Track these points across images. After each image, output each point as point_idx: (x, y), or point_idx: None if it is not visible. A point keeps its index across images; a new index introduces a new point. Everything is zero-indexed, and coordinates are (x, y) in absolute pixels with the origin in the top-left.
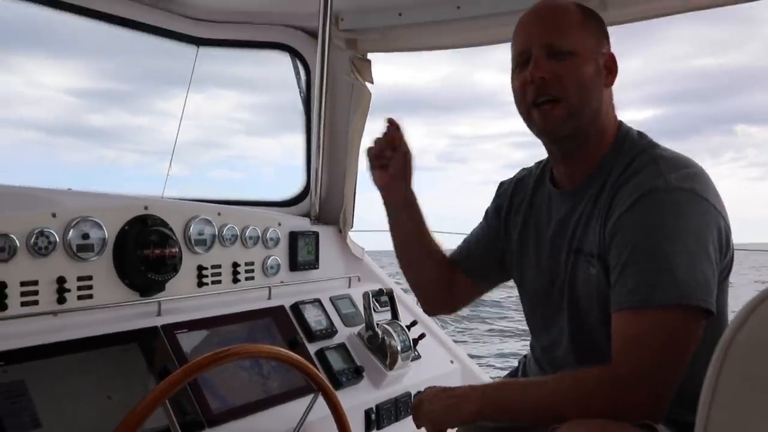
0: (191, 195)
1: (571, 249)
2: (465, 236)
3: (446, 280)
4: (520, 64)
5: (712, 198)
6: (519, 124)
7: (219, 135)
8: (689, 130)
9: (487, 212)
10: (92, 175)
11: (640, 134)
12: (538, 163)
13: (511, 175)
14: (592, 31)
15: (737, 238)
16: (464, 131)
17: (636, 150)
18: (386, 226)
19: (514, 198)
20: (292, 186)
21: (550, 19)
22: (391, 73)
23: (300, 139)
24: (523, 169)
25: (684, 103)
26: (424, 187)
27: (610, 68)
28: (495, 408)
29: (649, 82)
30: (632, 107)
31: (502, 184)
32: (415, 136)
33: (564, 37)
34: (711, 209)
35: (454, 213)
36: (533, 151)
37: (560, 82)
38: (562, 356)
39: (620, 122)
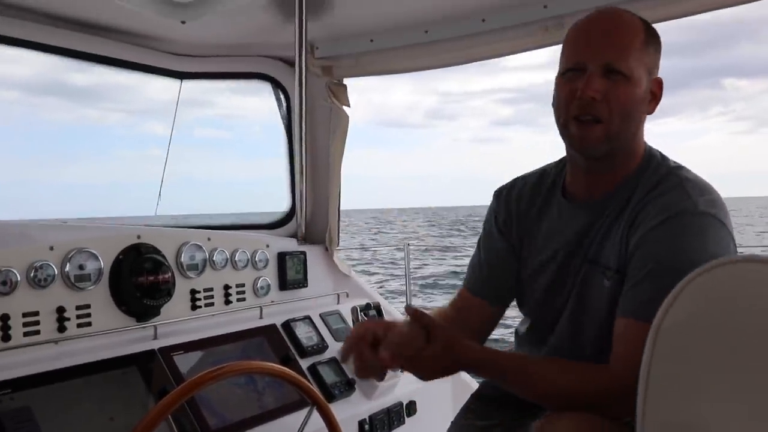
0: (179, 158)
1: (585, 259)
2: (470, 261)
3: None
4: (572, 71)
5: (729, 224)
6: (506, 80)
7: (204, 93)
8: (677, 84)
9: (487, 229)
10: (76, 136)
11: (663, 156)
12: (542, 172)
13: (505, 176)
14: (650, 56)
15: (724, 192)
16: (453, 87)
17: (663, 171)
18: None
19: (519, 204)
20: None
21: (615, 37)
22: None
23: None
24: (521, 177)
25: (672, 56)
26: (412, 145)
27: (656, 95)
28: (492, 371)
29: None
30: None
31: (500, 192)
32: (401, 93)
33: (623, 59)
34: (728, 236)
35: (444, 171)
36: (520, 107)
37: (608, 105)
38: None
39: (645, 143)
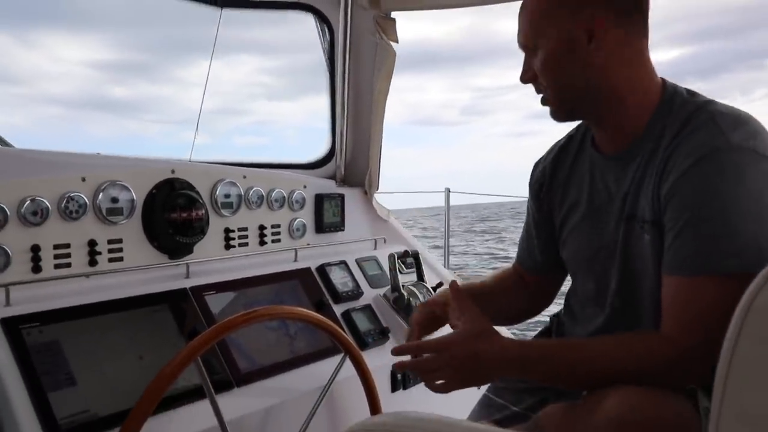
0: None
1: (622, 216)
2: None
3: (525, 295)
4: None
5: None
6: None
7: (241, 102)
8: (718, 68)
9: (528, 201)
10: (117, 148)
11: (690, 92)
12: (571, 132)
13: (547, 143)
14: (556, 8)
15: None
16: (486, 83)
17: (690, 108)
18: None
19: (556, 172)
20: (314, 148)
21: (522, 17)
22: (408, 28)
23: (321, 102)
24: (556, 143)
25: (712, 40)
26: (447, 143)
27: (591, 33)
28: (537, 371)
29: (676, 20)
30: (659, 48)
31: (537, 164)
32: (435, 90)
33: (530, 32)
34: None
35: (478, 168)
36: None
37: (539, 78)
38: (603, 326)
39: (663, 80)
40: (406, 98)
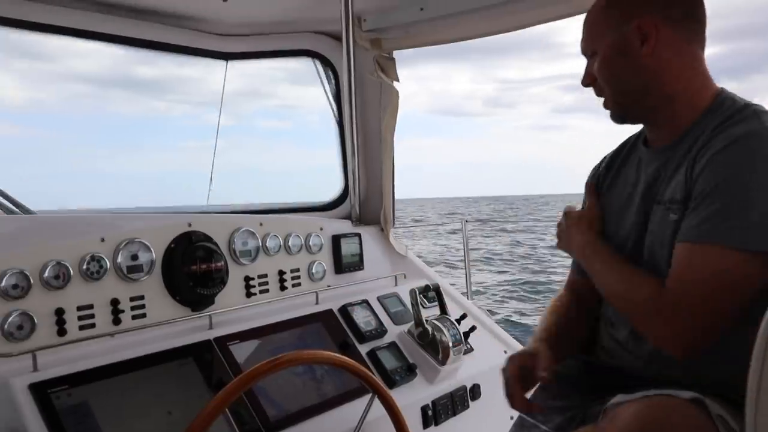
0: (239, 144)
1: (654, 201)
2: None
3: (590, 312)
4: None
5: None
6: (569, 66)
7: (264, 84)
8: (749, 69)
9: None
10: (142, 129)
11: (740, 98)
12: (626, 140)
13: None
14: (613, 15)
15: None
16: (512, 75)
17: (738, 106)
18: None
19: (608, 172)
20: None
21: (583, 26)
22: None
23: None
24: (612, 150)
25: (743, 39)
26: (469, 134)
27: (644, 37)
28: (587, 268)
29: (712, 17)
30: None
31: (603, 159)
32: (461, 81)
33: (587, 39)
34: None
35: (503, 160)
36: (583, 95)
37: (599, 82)
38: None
39: (721, 89)
40: (430, 86)
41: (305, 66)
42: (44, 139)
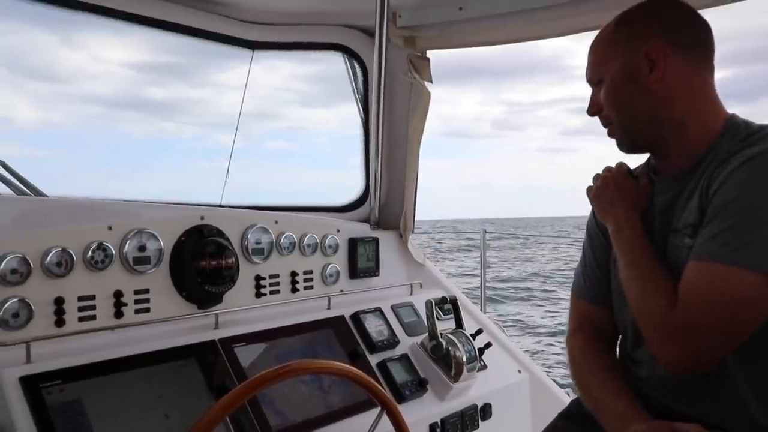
0: (249, 164)
1: (669, 230)
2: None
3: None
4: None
5: None
6: (577, 89)
7: (274, 106)
8: (760, 92)
9: (588, 228)
10: (153, 150)
11: (753, 123)
12: (635, 170)
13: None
14: (620, 42)
15: None
16: (520, 98)
17: (753, 130)
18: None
19: None
20: (346, 154)
21: (589, 53)
22: None
23: (352, 110)
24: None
25: (754, 63)
26: (477, 156)
27: (653, 64)
28: (616, 247)
29: (722, 40)
30: None
31: None
32: (468, 103)
33: (594, 67)
34: None
35: (510, 182)
36: (591, 118)
37: (605, 110)
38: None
39: (732, 114)
40: (437, 109)
41: (317, 88)
42: (53, 160)
